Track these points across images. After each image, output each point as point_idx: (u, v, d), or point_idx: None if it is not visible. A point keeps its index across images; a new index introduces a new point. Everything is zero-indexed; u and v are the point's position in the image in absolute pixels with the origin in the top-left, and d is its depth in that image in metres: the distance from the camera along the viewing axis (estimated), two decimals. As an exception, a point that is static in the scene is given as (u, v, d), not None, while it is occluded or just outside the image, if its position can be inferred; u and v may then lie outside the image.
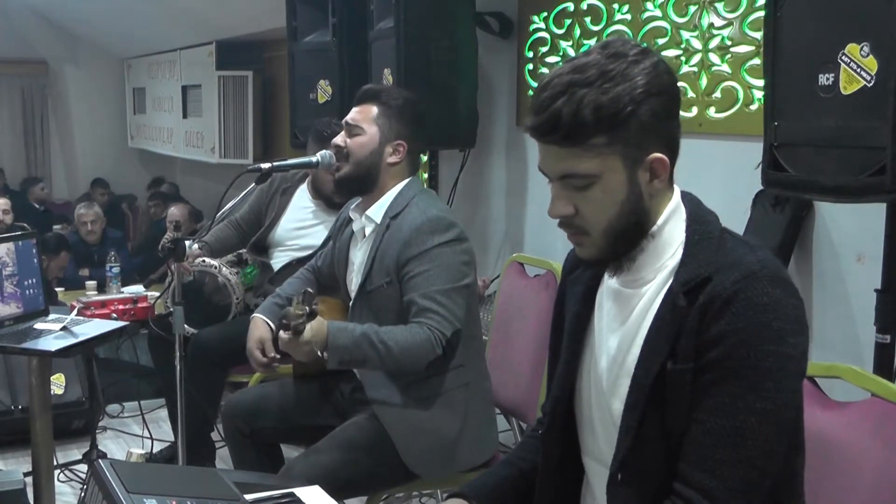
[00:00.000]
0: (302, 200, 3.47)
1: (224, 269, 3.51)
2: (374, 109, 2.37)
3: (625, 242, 1.38)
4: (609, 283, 1.46)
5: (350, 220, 2.47)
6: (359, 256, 2.42)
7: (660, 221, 1.39)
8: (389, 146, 2.36)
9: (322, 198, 3.38)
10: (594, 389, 1.47)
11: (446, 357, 2.24)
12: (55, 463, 3.55)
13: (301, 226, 3.45)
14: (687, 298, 1.32)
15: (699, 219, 1.39)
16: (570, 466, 1.55)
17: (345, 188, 2.44)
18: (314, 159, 2.48)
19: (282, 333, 2.09)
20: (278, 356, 2.34)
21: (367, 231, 2.38)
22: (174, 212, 6.17)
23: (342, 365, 2.17)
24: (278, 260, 3.47)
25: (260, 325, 2.44)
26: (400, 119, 2.37)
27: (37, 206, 8.20)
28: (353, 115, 2.39)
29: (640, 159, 1.34)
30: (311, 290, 2.05)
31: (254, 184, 2.55)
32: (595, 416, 1.48)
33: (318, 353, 2.12)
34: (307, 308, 2.03)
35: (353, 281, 2.42)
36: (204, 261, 3.47)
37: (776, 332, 1.27)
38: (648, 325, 1.37)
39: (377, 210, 2.36)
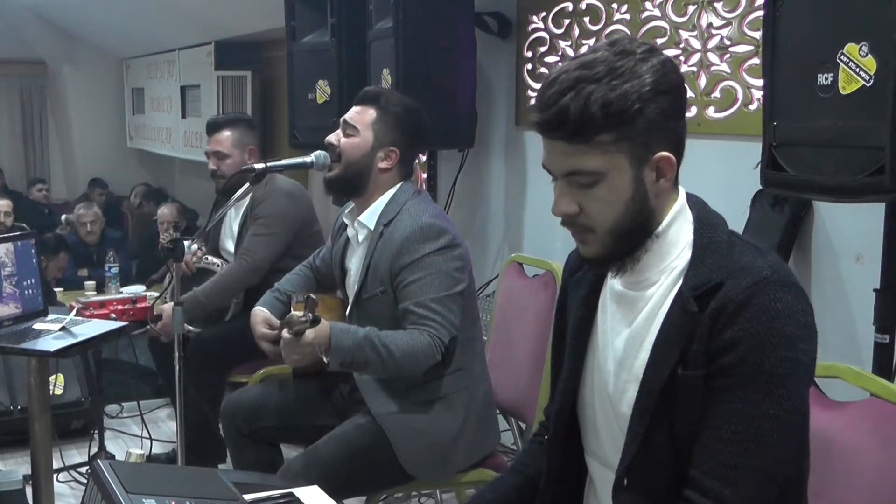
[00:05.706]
0: None
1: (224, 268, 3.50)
2: (373, 113, 2.37)
3: (629, 242, 1.37)
4: (612, 285, 1.45)
5: (345, 226, 2.46)
6: (354, 263, 2.42)
7: (665, 222, 1.38)
8: (382, 151, 2.36)
9: None
10: (598, 393, 1.46)
11: (444, 363, 2.24)
12: (62, 464, 3.56)
13: None
14: (698, 303, 1.31)
15: (707, 222, 1.38)
16: (574, 469, 1.55)
17: (334, 189, 2.43)
18: (308, 159, 2.47)
19: (284, 333, 2.09)
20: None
21: (360, 237, 2.38)
22: (164, 212, 6.15)
23: (343, 367, 2.16)
24: None
25: (260, 313, 2.46)
26: (396, 126, 2.37)
27: (44, 209, 8.22)
28: (352, 114, 2.39)
29: (646, 158, 1.33)
30: (313, 297, 2.05)
31: (248, 184, 2.54)
32: (599, 418, 1.47)
33: (320, 354, 2.11)
34: (310, 315, 2.03)
35: (350, 287, 2.42)
36: (207, 258, 3.47)
37: (789, 338, 1.26)
38: (656, 329, 1.36)
39: (369, 216, 2.35)
